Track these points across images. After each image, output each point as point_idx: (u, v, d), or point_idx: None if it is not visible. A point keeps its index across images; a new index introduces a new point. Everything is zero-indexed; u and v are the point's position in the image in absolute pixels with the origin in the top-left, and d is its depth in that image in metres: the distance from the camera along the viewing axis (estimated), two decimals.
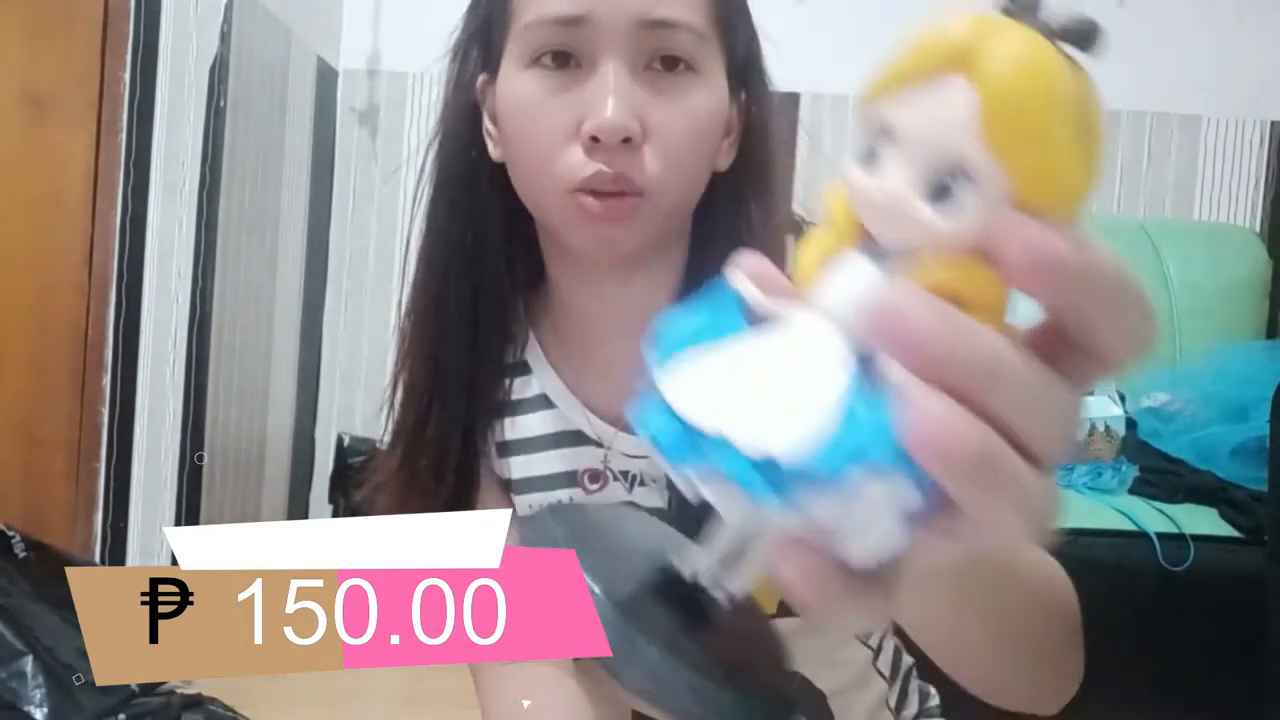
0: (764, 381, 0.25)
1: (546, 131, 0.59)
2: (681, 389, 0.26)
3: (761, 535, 0.28)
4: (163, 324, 1.99)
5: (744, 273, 0.28)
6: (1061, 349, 0.24)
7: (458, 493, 0.69)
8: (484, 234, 0.67)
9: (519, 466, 0.72)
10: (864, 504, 0.23)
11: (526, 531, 0.35)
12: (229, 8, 2.03)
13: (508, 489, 0.73)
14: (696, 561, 0.31)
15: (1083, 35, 0.24)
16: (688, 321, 0.27)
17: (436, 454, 0.68)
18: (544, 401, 0.72)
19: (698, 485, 0.26)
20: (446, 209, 0.67)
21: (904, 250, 0.25)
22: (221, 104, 2.03)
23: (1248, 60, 2.51)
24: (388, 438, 0.71)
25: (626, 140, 0.57)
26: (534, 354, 0.72)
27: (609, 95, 0.57)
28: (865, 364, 0.25)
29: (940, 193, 0.23)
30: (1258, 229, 2.54)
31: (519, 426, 0.72)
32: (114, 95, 1.93)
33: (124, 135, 1.94)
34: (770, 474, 0.24)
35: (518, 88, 0.60)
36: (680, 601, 0.32)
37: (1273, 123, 2.55)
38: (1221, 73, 2.51)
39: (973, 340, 0.23)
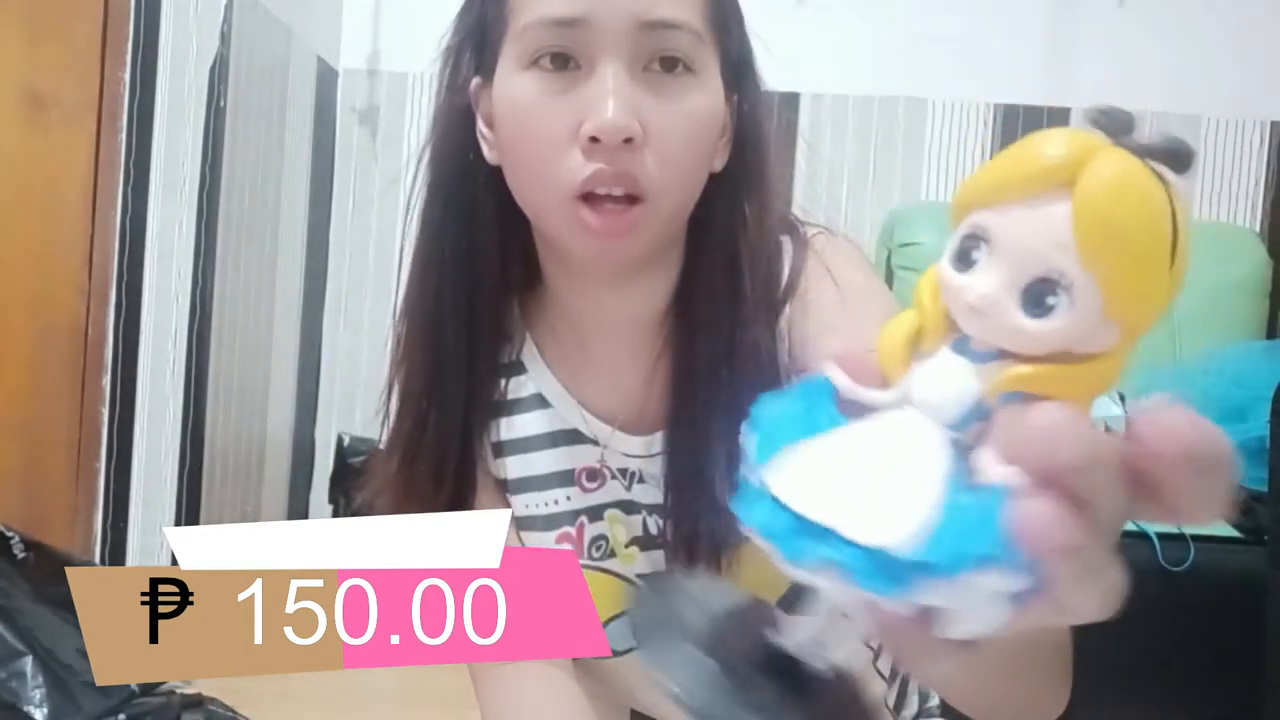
0: (868, 474, 0.27)
1: (545, 134, 0.59)
2: (788, 482, 0.27)
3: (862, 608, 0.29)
4: (163, 324, 1.99)
5: (834, 360, 0.30)
6: (1135, 488, 0.25)
7: (456, 495, 0.69)
8: (479, 236, 0.66)
9: (515, 466, 0.72)
10: (973, 591, 0.25)
11: (632, 608, 0.36)
12: (229, 8, 2.03)
13: (505, 489, 0.73)
14: (798, 633, 0.31)
15: (1175, 156, 0.25)
16: (784, 411, 0.29)
17: (434, 457, 0.68)
18: (539, 401, 0.72)
19: (811, 576, 0.27)
20: (441, 212, 0.67)
21: (994, 349, 0.27)
22: (221, 104, 2.03)
23: (1248, 60, 2.51)
24: (385, 442, 0.71)
25: (628, 141, 0.57)
26: (529, 354, 0.72)
27: (609, 96, 0.57)
28: (959, 456, 0.26)
29: (1036, 300, 0.25)
30: (1258, 229, 2.54)
31: (515, 426, 0.72)
32: (114, 95, 1.92)
33: (124, 135, 1.93)
34: (883, 564, 0.25)
35: (516, 90, 0.60)
36: (781, 673, 0.32)
37: (1273, 123, 2.55)
38: (1221, 73, 2.51)
39: (1104, 463, 0.24)
